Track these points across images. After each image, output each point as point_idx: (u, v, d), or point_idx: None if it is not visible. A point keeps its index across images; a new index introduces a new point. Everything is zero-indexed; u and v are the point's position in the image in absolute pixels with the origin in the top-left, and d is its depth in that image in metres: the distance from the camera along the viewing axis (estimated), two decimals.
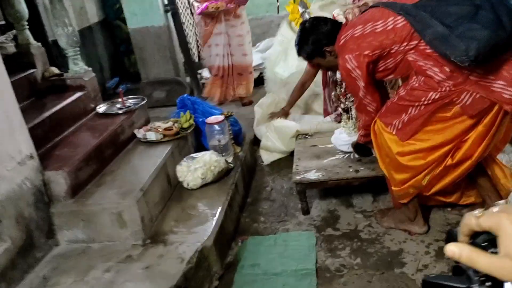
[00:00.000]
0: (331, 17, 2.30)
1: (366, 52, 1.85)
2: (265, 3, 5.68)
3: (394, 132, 1.95)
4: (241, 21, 4.04)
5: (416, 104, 1.86)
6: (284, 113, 3.17)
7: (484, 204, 2.15)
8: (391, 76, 2.00)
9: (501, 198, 2.10)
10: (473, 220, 0.53)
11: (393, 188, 2.09)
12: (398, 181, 2.04)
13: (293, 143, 2.92)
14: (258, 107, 3.54)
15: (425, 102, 1.83)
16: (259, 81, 4.60)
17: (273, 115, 3.20)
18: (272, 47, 4.89)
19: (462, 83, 1.73)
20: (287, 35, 4.89)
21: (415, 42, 1.79)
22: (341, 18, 2.26)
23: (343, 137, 2.51)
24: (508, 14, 1.60)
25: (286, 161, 3.00)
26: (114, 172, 2.33)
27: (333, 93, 2.57)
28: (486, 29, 1.57)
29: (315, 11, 3.12)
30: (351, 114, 2.49)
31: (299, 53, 2.21)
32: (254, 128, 3.37)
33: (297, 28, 4.63)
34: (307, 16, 2.44)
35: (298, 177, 2.41)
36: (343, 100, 2.43)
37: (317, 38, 2.09)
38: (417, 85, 1.85)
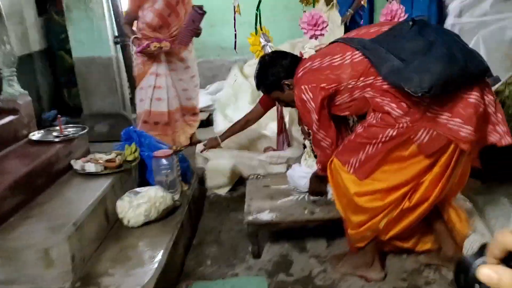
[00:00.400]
0: (298, 54, 2.27)
1: (323, 85, 1.83)
2: (217, 47, 5.69)
3: (351, 171, 1.89)
4: (185, 65, 3.67)
5: (374, 141, 1.82)
6: (216, 144, 3.03)
7: (440, 251, 2.10)
8: (347, 112, 1.96)
9: (456, 244, 2.06)
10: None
11: (349, 231, 2.00)
12: (355, 224, 1.95)
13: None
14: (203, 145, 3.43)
15: (383, 140, 1.79)
16: (208, 123, 4.51)
17: (205, 144, 3.07)
18: (223, 90, 4.88)
19: (419, 119, 1.72)
20: (238, 79, 4.91)
21: (372, 77, 1.78)
22: (307, 55, 2.23)
23: (302, 169, 2.41)
24: (461, 50, 1.65)
25: (235, 202, 2.85)
26: (45, 204, 2.06)
27: (300, 127, 2.50)
28: (439, 62, 1.60)
29: (285, 47, 3.14)
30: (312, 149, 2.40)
31: (258, 86, 2.14)
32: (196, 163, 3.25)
33: (249, 71, 4.65)
34: (268, 49, 2.39)
35: (250, 218, 2.26)
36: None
37: (276, 71, 2.05)
38: (374, 121, 1.83)
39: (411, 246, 2.13)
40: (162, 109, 3.50)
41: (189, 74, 3.70)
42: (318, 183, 2.27)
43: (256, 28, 2.37)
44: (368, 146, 1.84)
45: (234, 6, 2.44)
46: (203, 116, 4.65)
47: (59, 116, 2.79)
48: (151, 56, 3.40)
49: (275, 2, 5.02)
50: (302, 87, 1.88)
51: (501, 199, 2.50)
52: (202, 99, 5.02)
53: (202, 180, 3.16)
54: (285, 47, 4.52)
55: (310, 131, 2.25)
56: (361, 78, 1.80)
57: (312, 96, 1.85)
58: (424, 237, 2.13)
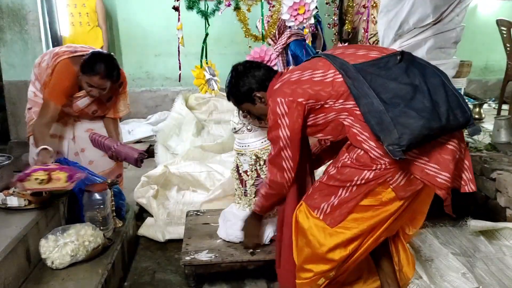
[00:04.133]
0: None
1: (300, 100, 1.70)
2: (161, 77, 5.61)
3: (321, 217, 1.75)
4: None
5: (348, 184, 1.70)
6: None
7: None
8: (319, 135, 1.83)
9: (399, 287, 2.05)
10: None
11: (300, 281, 1.85)
12: (315, 273, 1.81)
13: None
14: (146, 177, 3.29)
15: (358, 182, 1.68)
16: (148, 154, 4.36)
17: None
18: (166, 120, 4.77)
19: (397, 161, 1.60)
20: (182, 111, 4.83)
21: (352, 103, 1.67)
22: None
23: (234, 211, 2.32)
24: (445, 98, 1.58)
25: (173, 239, 2.71)
26: None
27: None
28: (420, 118, 1.52)
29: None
30: (245, 189, 2.31)
31: (228, 97, 2.01)
32: (135, 198, 3.09)
33: (194, 103, 4.59)
34: (213, 84, 2.33)
35: (187, 258, 2.14)
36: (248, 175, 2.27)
37: (248, 82, 1.92)
38: (349, 162, 1.71)
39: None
40: None
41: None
42: (253, 230, 2.14)
43: (201, 61, 2.32)
44: (341, 189, 1.72)
45: (178, 38, 2.37)
46: (142, 147, 4.51)
47: None
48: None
49: (221, 36, 5.05)
50: (278, 99, 1.73)
51: (430, 238, 2.56)
52: (143, 130, 4.91)
53: (138, 215, 3.01)
54: None
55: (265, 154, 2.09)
56: (340, 100, 1.69)
57: (287, 111, 1.71)
58: (369, 277, 2.09)
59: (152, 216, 2.99)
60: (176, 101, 4.94)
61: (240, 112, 2.17)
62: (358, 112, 1.64)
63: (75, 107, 2.67)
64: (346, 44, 2.54)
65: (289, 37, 3.24)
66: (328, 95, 1.69)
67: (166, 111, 5.29)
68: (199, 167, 3.43)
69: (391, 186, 1.65)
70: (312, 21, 2.18)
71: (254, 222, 2.13)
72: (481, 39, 5.66)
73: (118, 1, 5.39)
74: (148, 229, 2.86)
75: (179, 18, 2.43)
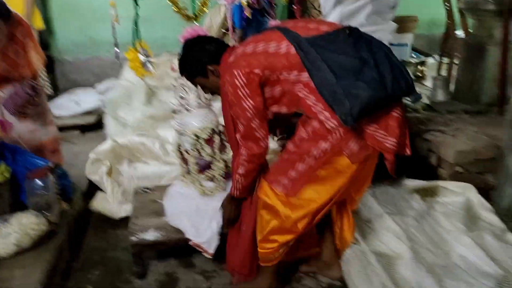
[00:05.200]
0: (171, 68, 2.20)
1: (256, 71, 1.73)
2: (107, 42, 5.38)
3: (280, 190, 1.84)
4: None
5: (305, 157, 1.79)
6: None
7: (320, 255, 2.22)
8: (275, 106, 1.85)
9: (336, 250, 2.20)
10: None
11: (263, 250, 1.96)
12: (280, 243, 1.91)
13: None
14: (94, 154, 3.24)
15: (315, 153, 1.78)
16: (97, 126, 4.28)
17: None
18: (114, 90, 4.63)
19: (350, 130, 1.72)
20: (131, 78, 4.67)
21: (306, 75, 1.72)
22: None
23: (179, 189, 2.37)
24: (391, 69, 1.67)
25: (122, 218, 2.75)
26: None
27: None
28: (369, 89, 1.62)
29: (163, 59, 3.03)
30: (188, 168, 2.35)
31: (181, 71, 2.01)
32: (86, 175, 3.06)
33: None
34: (149, 65, 2.31)
35: (134, 238, 2.20)
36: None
37: (199, 56, 1.92)
38: (305, 135, 1.79)
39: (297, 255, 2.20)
40: None
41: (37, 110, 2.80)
42: (233, 213, 2.11)
43: (133, 43, 2.28)
44: (299, 162, 1.81)
45: (112, 15, 2.31)
46: (91, 119, 4.41)
47: None
48: None
49: (153, 14, 4.80)
50: (235, 71, 1.75)
51: (371, 200, 2.71)
52: (91, 100, 4.76)
53: (88, 193, 3.00)
54: (162, 59, 4.42)
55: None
56: (294, 72, 1.73)
57: (246, 81, 1.73)
58: (310, 241, 2.21)
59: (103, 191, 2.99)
60: (124, 69, 4.78)
61: (177, 92, 2.18)
62: (312, 84, 1.70)
63: None
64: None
65: None
66: (282, 66, 1.74)
67: (115, 79, 5.14)
68: (150, 138, 3.42)
69: (345, 153, 1.77)
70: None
71: (233, 206, 2.10)
72: None
73: None
74: (102, 204, 2.85)
75: None
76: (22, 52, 2.58)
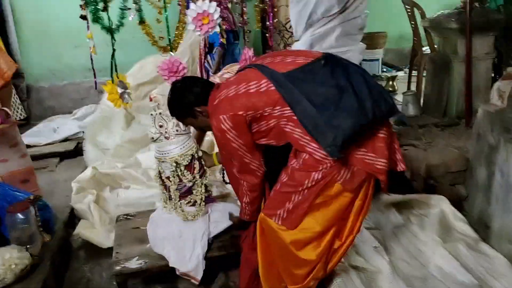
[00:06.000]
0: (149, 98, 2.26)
1: (240, 113, 1.80)
2: (82, 68, 5.40)
3: (279, 222, 1.89)
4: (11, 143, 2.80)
5: (300, 189, 1.84)
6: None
7: None
8: (263, 141, 1.91)
9: None
10: None
11: (292, 286, 1.98)
12: (299, 277, 1.95)
13: None
14: (77, 183, 3.24)
15: (308, 185, 1.82)
16: (76, 152, 4.27)
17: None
18: (93, 115, 4.63)
19: (340, 158, 1.76)
20: (109, 103, 4.68)
21: (289, 110, 1.78)
22: (159, 99, 2.24)
23: (161, 214, 2.40)
24: (370, 94, 1.73)
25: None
26: None
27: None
28: (349, 117, 1.68)
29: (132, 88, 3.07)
30: (169, 194, 2.39)
31: (170, 113, 2.10)
32: (72, 205, 3.06)
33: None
34: (127, 97, 2.36)
35: (118, 267, 2.21)
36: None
37: (187, 98, 2.00)
38: (297, 167, 1.85)
39: None
40: None
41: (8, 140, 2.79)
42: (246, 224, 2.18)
43: (112, 76, 2.33)
44: (294, 194, 1.85)
45: (90, 47, 2.36)
46: (70, 146, 4.40)
47: None
48: None
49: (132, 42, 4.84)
50: (220, 117, 1.82)
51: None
52: (69, 127, 4.75)
53: (68, 223, 2.99)
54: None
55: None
56: (277, 107, 1.79)
57: (232, 124, 1.81)
58: None
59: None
60: (104, 95, 4.79)
61: (156, 121, 2.23)
62: (295, 118, 1.77)
63: None
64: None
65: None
66: (264, 104, 1.80)
67: (93, 104, 5.14)
68: (130, 163, 3.44)
69: (339, 182, 1.81)
70: (218, 29, 2.25)
71: (245, 224, 2.19)
72: (395, 9, 5.94)
73: None
74: (88, 233, 2.84)
75: (88, 27, 2.40)
76: None
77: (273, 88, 1.79)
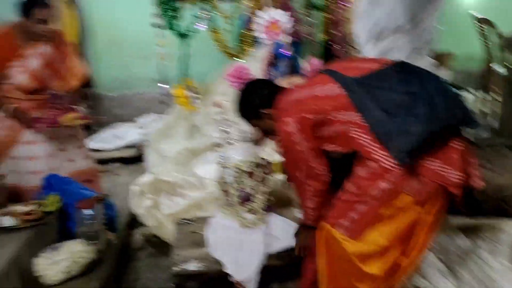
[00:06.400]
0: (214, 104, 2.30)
1: (307, 116, 1.78)
2: (148, 78, 5.60)
3: (343, 233, 1.82)
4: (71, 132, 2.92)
5: (365, 198, 1.77)
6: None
7: None
8: (330, 146, 1.87)
9: None
10: None
11: None
12: None
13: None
14: (137, 185, 3.34)
15: (374, 194, 1.74)
16: (137, 159, 4.40)
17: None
18: (158, 122, 4.75)
19: (409, 167, 1.69)
20: (176, 113, 4.73)
21: (357, 115, 1.74)
22: (223, 104, 2.27)
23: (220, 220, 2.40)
24: (444, 102, 1.65)
25: (165, 247, 2.80)
26: None
27: None
28: (420, 123, 1.61)
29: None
30: (231, 201, 2.39)
31: (237, 112, 2.11)
32: (131, 208, 3.14)
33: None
34: (195, 102, 2.42)
35: (176, 269, 2.23)
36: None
37: (253, 99, 2.01)
38: (362, 175, 1.78)
39: None
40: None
41: (75, 141, 2.95)
42: (307, 235, 2.05)
43: (181, 81, 2.39)
44: (359, 204, 1.78)
45: (160, 54, 2.44)
46: (132, 152, 4.56)
47: None
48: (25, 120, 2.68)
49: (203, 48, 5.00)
50: (286, 119, 1.82)
51: None
52: (132, 134, 4.94)
53: (131, 225, 3.08)
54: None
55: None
56: (346, 112, 1.75)
57: (298, 127, 1.79)
58: None
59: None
60: (171, 103, 4.83)
61: (220, 127, 2.26)
62: (364, 124, 1.72)
63: (29, 72, 2.63)
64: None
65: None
66: (332, 108, 1.77)
67: (155, 114, 5.32)
68: (188, 172, 3.49)
69: (406, 192, 1.71)
70: (287, 38, 2.26)
71: (307, 234, 2.07)
72: (462, 28, 5.73)
73: (102, 6, 5.39)
74: (158, 229, 2.87)
75: (161, 35, 2.49)
76: (64, 62, 2.77)
77: (343, 92, 1.76)
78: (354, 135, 1.76)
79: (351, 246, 1.81)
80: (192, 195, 3.24)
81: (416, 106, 1.66)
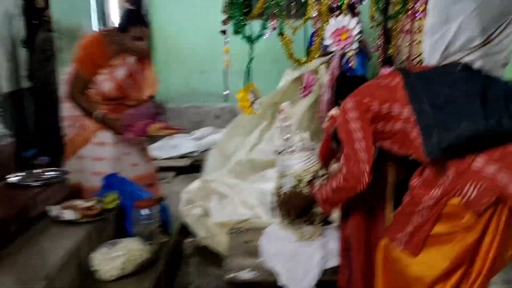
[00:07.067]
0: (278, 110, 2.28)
1: (365, 100, 1.75)
2: (206, 93, 5.74)
3: (401, 247, 1.69)
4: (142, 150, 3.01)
5: (419, 208, 1.65)
6: None
7: None
8: (386, 142, 1.81)
9: None
10: None
11: None
12: None
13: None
14: (186, 193, 3.36)
15: (428, 203, 1.62)
16: (191, 169, 4.46)
17: None
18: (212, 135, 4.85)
19: (464, 171, 1.56)
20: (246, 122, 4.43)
21: (411, 109, 1.67)
22: (288, 111, 2.24)
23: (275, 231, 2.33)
24: (504, 107, 1.55)
25: (214, 256, 2.77)
26: (16, 255, 1.97)
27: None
28: (467, 121, 1.52)
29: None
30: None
31: None
32: (181, 215, 3.15)
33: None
34: (257, 106, 2.41)
35: (230, 275, 2.19)
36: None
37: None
38: (418, 184, 1.71)
39: None
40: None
41: (140, 146, 3.00)
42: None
43: (245, 84, 2.41)
44: (414, 215, 1.67)
45: (224, 61, 2.47)
46: (186, 162, 4.63)
47: (40, 159, 2.72)
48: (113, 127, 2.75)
49: (264, 55, 5.09)
50: (347, 98, 1.81)
51: None
52: (187, 145, 5.03)
53: (182, 231, 3.09)
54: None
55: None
56: (403, 107, 1.69)
57: (354, 106, 1.76)
58: None
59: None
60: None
61: (283, 134, 2.22)
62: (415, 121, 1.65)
63: (114, 81, 2.73)
64: (391, 67, 2.55)
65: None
66: (390, 98, 1.72)
67: (210, 127, 5.42)
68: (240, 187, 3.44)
69: (462, 201, 1.55)
70: (355, 46, 2.21)
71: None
72: None
73: (163, 19, 5.60)
74: (211, 240, 2.86)
75: (226, 42, 2.53)
76: (143, 73, 2.87)
77: (401, 84, 1.71)
78: (412, 136, 1.67)
79: (413, 265, 1.66)
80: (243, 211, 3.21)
81: (468, 103, 1.56)
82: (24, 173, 2.59)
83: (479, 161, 1.55)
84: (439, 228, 1.62)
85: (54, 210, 2.33)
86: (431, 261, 1.64)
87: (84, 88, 2.72)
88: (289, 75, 3.45)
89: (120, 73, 2.77)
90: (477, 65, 2.89)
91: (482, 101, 1.56)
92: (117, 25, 2.74)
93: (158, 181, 3.15)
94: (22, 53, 4.66)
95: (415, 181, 1.73)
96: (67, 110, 2.84)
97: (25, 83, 4.64)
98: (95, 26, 4.08)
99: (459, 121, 1.53)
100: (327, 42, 2.19)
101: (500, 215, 1.55)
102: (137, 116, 2.74)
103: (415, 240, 1.66)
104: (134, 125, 2.69)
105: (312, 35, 3.06)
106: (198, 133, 5.32)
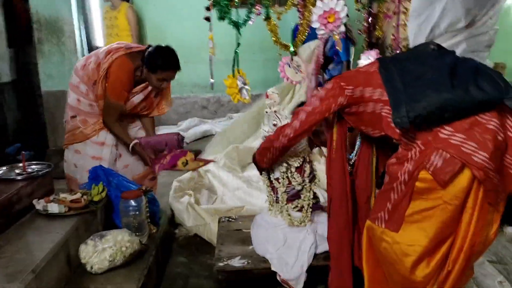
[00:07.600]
0: (265, 95, 2.26)
1: (342, 83, 1.79)
2: (191, 83, 5.69)
3: (383, 226, 1.70)
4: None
5: (395, 184, 1.67)
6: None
7: None
8: (362, 127, 1.87)
9: None
10: None
11: None
12: None
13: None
14: (177, 182, 3.35)
15: (402, 178, 1.63)
16: None
17: None
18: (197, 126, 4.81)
19: (431, 140, 1.58)
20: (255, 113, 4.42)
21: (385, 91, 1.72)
22: (275, 97, 2.22)
23: (266, 217, 2.34)
24: (474, 79, 1.56)
25: (204, 245, 2.76)
26: (3, 248, 1.93)
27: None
28: (435, 93, 1.55)
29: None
30: (277, 196, 2.32)
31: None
32: (169, 202, 3.13)
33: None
34: (245, 92, 2.38)
35: (220, 264, 2.17)
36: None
37: None
38: (392, 160, 1.73)
39: None
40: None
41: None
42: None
43: (233, 71, 2.37)
44: (392, 192, 1.68)
45: (209, 48, 2.43)
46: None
47: (23, 153, 2.66)
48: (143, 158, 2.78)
49: (251, 42, 5.07)
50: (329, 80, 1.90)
51: None
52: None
53: (171, 221, 3.07)
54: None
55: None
56: (378, 90, 1.73)
57: (328, 87, 1.84)
58: None
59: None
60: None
61: (271, 120, 2.21)
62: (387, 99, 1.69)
63: (130, 104, 2.75)
64: (375, 50, 2.55)
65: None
66: (365, 82, 1.77)
67: (196, 118, 5.39)
68: (232, 178, 3.42)
69: (429, 171, 1.56)
70: (343, 29, 2.19)
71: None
72: None
73: (147, 10, 5.52)
74: (201, 228, 2.88)
75: (210, 28, 2.49)
76: (159, 95, 2.88)
77: (376, 68, 1.78)
78: (384, 114, 1.72)
79: (394, 241, 1.67)
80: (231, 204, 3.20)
81: (437, 77, 1.60)
82: (7, 167, 2.53)
83: (447, 130, 1.57)
84: (417, 205, 1.63)
85: (40, 204, 2.28)
86: (413, 239, 1.64)
87: (120, 116, 2.71)
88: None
89: (137, 99, 2.76)
90: (461, 47, 2.92)
91: (451, 74, 1.59)
92: (147, 63, 2.60)
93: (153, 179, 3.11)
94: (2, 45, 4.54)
95: (391, 160, 1.75)
96: (72, 100, 2.78)
97: (6, 77, 4.52)
98: (75, 16, 3.98)
99: (428, 94, 1.57)
100: (315, 25, 2.16)
101: (477, 191, 1.55)
102: (159, 145, 2.74)
103: (395, 217, 1.67)
104: (162, 159, 2.66)
105: (296, 28, 3.03)
106: (184, 124, 5.29)
